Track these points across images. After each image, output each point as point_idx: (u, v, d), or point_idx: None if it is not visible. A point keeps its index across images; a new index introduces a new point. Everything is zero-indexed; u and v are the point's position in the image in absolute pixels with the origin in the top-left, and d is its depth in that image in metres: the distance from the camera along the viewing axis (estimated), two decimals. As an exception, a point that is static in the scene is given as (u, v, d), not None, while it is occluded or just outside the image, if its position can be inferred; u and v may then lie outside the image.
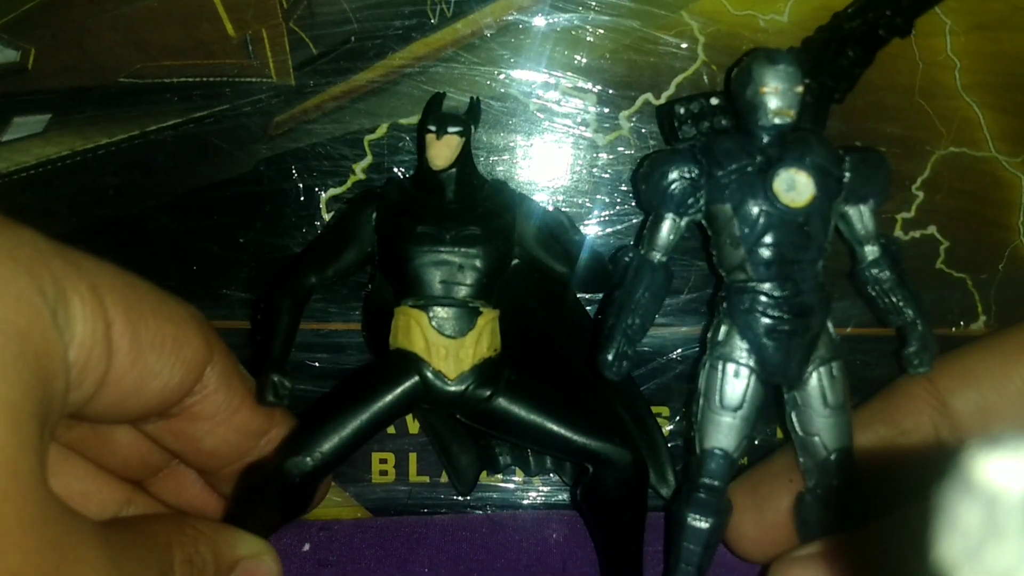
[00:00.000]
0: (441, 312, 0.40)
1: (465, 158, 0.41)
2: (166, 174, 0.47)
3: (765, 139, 0.40)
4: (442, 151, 0.40)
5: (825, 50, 0.42)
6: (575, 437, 0.41)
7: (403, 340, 0.41)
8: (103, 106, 0.46)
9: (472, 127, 0.42)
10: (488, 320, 0.41)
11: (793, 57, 0.40)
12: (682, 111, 0.42)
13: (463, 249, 0.41)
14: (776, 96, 0.39)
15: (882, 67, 0.45)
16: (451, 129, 0.40)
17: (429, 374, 0.40)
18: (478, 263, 0.41)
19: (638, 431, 0.46)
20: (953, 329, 0.49)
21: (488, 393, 0.41)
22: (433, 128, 0.41)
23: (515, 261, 0.43)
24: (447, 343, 0.40)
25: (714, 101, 0.42)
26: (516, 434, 0.42)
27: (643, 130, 0.47)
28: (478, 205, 0.42)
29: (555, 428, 0.41)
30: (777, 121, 0.39)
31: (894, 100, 0.47)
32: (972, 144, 0.48)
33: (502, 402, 0.41)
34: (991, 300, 0.49)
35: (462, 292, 0.40)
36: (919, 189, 0.48)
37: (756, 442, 0.49)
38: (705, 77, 0.46)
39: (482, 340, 0.41)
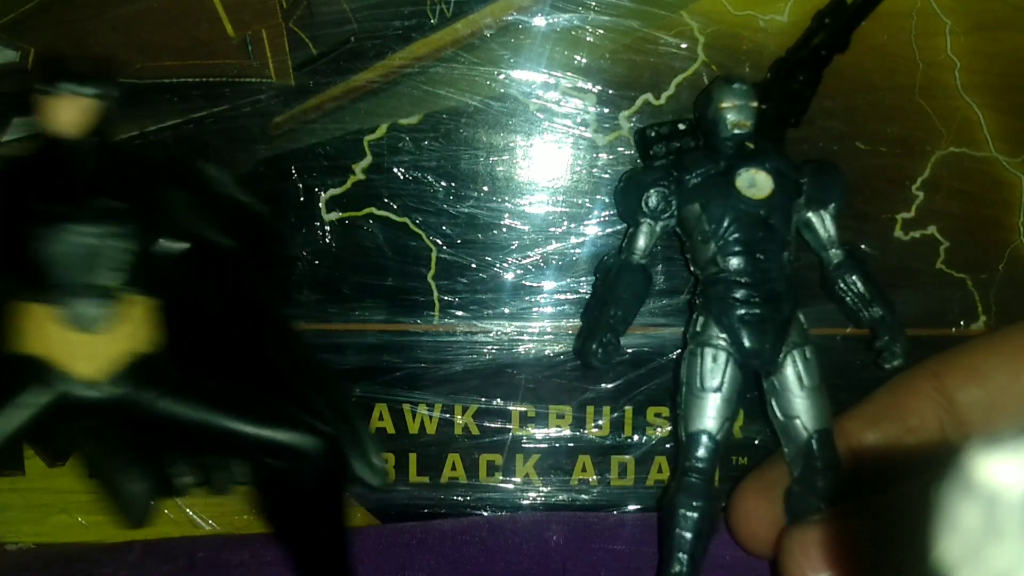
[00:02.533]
0: (76, 304, 0.34)
1: (103, 126, 0.36)
2: (166, 174, 0.47)
3: (727, 149, 0.43)
4: (67, 113, 0.35)
5: (777, 77, 0.45)
6: (259, 432, 0.37)
7: (25, 342, 0.35)
8: (103, 106, 0.46)
9: (108, 91, 0.36)
10: (139, 310, 0.36)
11: (748, 79, 0.44)
12: (653, 134, 0.45)
13: (101, 228, 0.35)
14: (733, 110, 0.43)
15: (882, 67, 0.45)
16: (77, 89, 0.35)
17: (62, 381, 0.34)
18: (122, 244, 0.35)
19: (339, 421, 0.41)
20: (953, 329, 0.49)
21: (145, 394, 0.35)
22: (49, 88, 0.34)
23: (185, 245, 0.37)
24: (86, 340, 0.34)
25: (681, 127, 0.45)
26: (190, 438, 0.38)
27: (643, 130, 0.47)
28: (120, 177, 0.36)
29: (233, 425, 0.37)
30: (736, 131, 0.43)
31: (894, 100, 0.47)
32: (972, 144, 0.48)
33: (168, 403, 0.36)
34: (991, 300, 0.49)
35: (103, 279, 0.35)
36: (919, 189, 0.48)
37: (756, 442, 0.50)
38: (705, 77, 0.46)
39: (132, 334, 0.35)
